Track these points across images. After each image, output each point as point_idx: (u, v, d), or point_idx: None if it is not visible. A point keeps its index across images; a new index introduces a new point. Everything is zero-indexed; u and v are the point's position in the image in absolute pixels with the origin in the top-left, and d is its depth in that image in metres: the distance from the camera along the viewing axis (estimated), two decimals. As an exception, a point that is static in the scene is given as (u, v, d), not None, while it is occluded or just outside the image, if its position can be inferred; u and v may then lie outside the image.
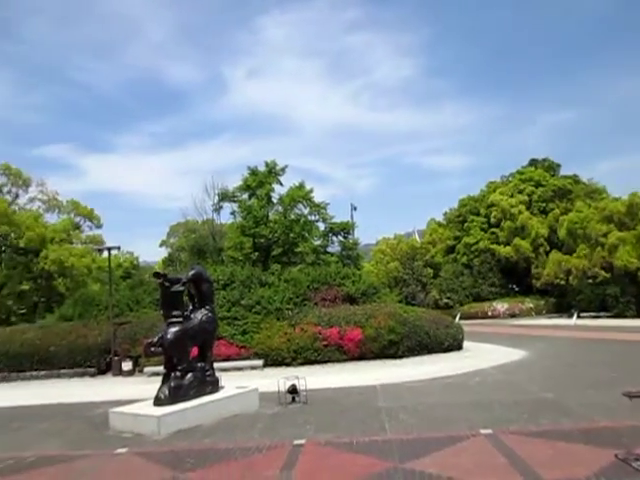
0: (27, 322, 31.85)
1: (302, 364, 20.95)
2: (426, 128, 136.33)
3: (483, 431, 9.59)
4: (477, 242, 54.84)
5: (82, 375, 22.44)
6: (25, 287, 41.61)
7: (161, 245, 66.99)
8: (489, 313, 50.54)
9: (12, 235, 40.65)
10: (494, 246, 53.49)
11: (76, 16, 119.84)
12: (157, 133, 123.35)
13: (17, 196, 44.46)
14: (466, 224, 57.44)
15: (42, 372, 22.67)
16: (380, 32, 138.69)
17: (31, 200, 45.05)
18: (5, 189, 43.77)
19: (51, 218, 45.17)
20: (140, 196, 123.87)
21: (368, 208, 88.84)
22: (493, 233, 54.86)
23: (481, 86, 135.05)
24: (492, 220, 54.89)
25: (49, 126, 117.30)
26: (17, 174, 43.92)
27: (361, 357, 21.65)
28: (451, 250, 58.39)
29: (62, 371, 22.57)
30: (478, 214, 57.28)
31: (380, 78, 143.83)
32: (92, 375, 22.49)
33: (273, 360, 21.43)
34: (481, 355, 22.28)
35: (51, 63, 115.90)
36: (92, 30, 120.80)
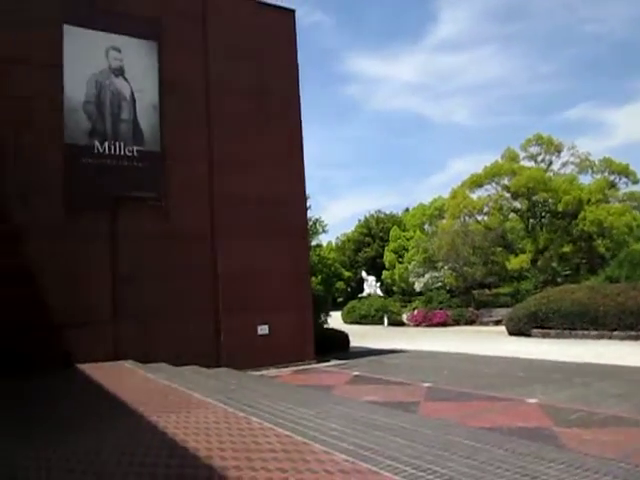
0: (571, 283, 32.99)
1: None
2: None
3: None
4: None
5: (636, 338, 21.60)
6: (566, 249, 43.45)
7: None
8: None
9: (550, 200, 43.07)
10: None
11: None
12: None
13: (550, 163, 46.62)
14: None
15: (593, 332, 23.09)
16: None
17: (563, 165, 46.38)
18: (539, 158, 46.58)
19: (584, 179, 45.36)
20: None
21: None
22: None
23: None
24: None
25: (566, 89, 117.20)
26: (548, 142, 46.04)
27: None
28: None
29: (614, 333, 22.38)
30: None
31: None
32: (646, 339, 21.36)
33: None
34: None
35: (558, 28, 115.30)
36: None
